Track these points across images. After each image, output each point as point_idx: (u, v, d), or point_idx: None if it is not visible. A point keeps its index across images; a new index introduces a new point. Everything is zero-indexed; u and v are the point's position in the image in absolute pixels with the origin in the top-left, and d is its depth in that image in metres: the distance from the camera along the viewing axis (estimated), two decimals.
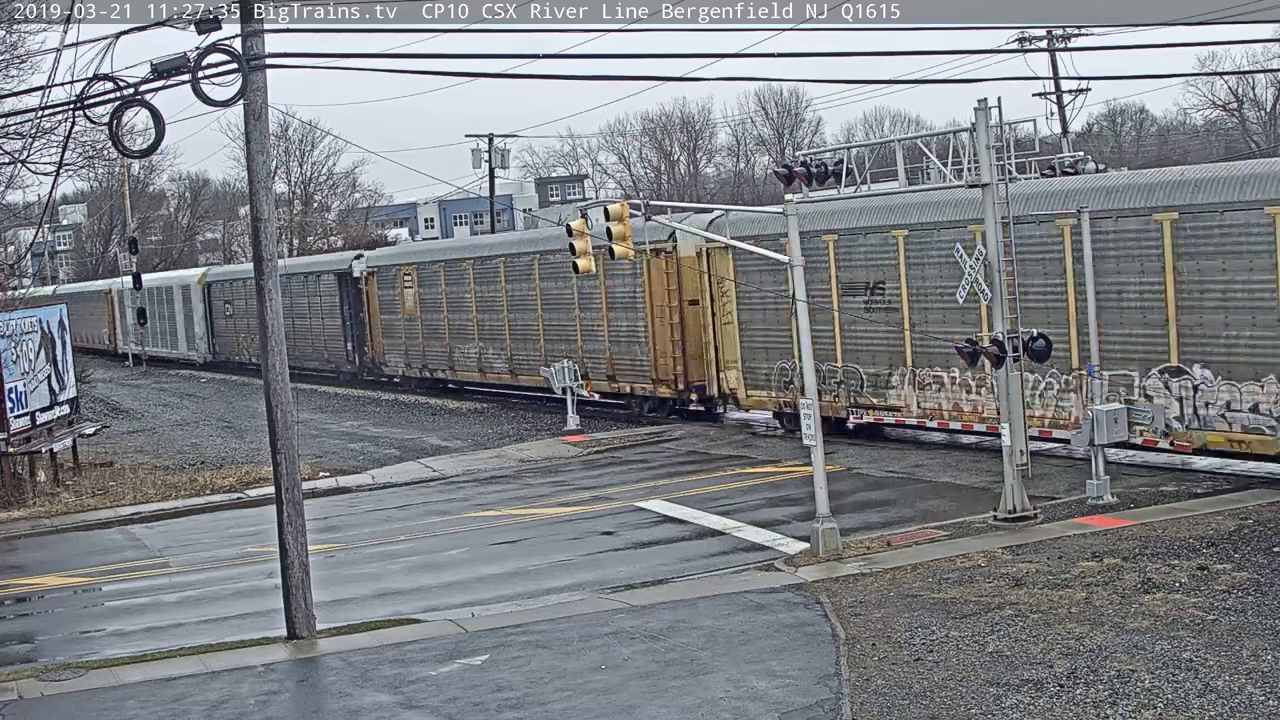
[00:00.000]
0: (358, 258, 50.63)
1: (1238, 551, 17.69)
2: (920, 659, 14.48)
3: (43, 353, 32.20)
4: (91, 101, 17.80)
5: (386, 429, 38.92)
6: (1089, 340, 22.70)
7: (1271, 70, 78.19)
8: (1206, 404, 22.29)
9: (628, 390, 36.15)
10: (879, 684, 13.81)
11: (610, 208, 21.50)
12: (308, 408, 42.44)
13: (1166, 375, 22.79)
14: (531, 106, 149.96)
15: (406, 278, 46.55)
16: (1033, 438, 23.49)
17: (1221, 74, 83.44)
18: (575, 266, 22.07)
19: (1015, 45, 50.98)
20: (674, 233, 31.72)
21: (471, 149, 66.20)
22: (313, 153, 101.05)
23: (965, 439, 28.13)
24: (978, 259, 20.44)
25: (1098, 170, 28.92)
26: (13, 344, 30.48)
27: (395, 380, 48.70)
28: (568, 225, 22.64)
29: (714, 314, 32.58)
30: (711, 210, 36.01)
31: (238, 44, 16.79)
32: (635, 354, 35.65)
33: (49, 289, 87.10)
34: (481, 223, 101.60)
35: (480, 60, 47.26)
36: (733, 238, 26.68)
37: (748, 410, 32.83)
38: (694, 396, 34.08)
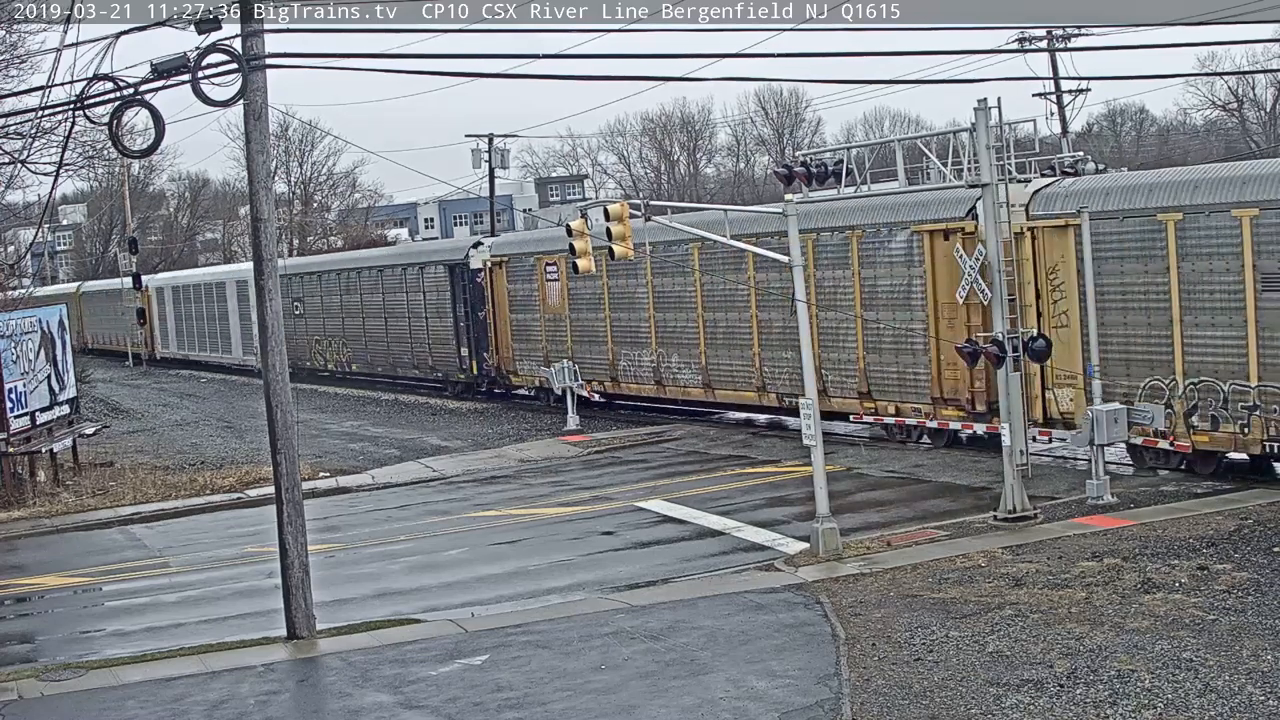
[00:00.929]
0: (476, 245, 42.79)
1: (1238, 551, 17.69)
2: (920, 659, 14.48)
3: (42, 353, 32.21)
4: (91, 101, 17.80)
5: (386, 429, 38.92)
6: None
7: (1271, 70, 78.29)
8: None
9: (891, 412, 28.30)
10: (879, 684, 13.80)
11: (610, 208, 21.50)
12: (308, 408, 42.43)
13: None
14: (531, 106, 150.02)
15: (550, 269, 38.30)
16: (1033, 438, 23.49)
17: (1221, 74, 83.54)
18: (575, 267, 22.06)
19: (1015, 45, 51.03)
20: (973, 208, 24.72)
21: (471, 149, 66.22)
22: (313, 153, 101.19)
23: None
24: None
25: (1098, 171, 28.89)
26: (12, 344, 30.50)
27: (526, 393, 41.50)
28: (568, 225, 22.62)
29: (1039, 313, 24.80)
30: (704, 209, 34.60)
31: (238, 44, 16.79)
32: (905, 365, 27.87)
33: (73, 285, 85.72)
34: (481, 223, 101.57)
35: (480, 60, 47.35)
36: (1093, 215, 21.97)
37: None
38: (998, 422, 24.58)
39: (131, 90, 17.12)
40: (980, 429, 26.04)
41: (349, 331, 50.03)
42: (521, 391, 41.38)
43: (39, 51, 31.76)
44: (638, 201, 21.72)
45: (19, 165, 28.00)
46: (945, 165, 21.54)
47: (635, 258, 24.82)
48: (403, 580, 20.98)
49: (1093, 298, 22.47)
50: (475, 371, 42.80)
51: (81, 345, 70.97)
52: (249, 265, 50.13)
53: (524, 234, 51.35)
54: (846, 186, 22.56)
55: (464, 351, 43.13)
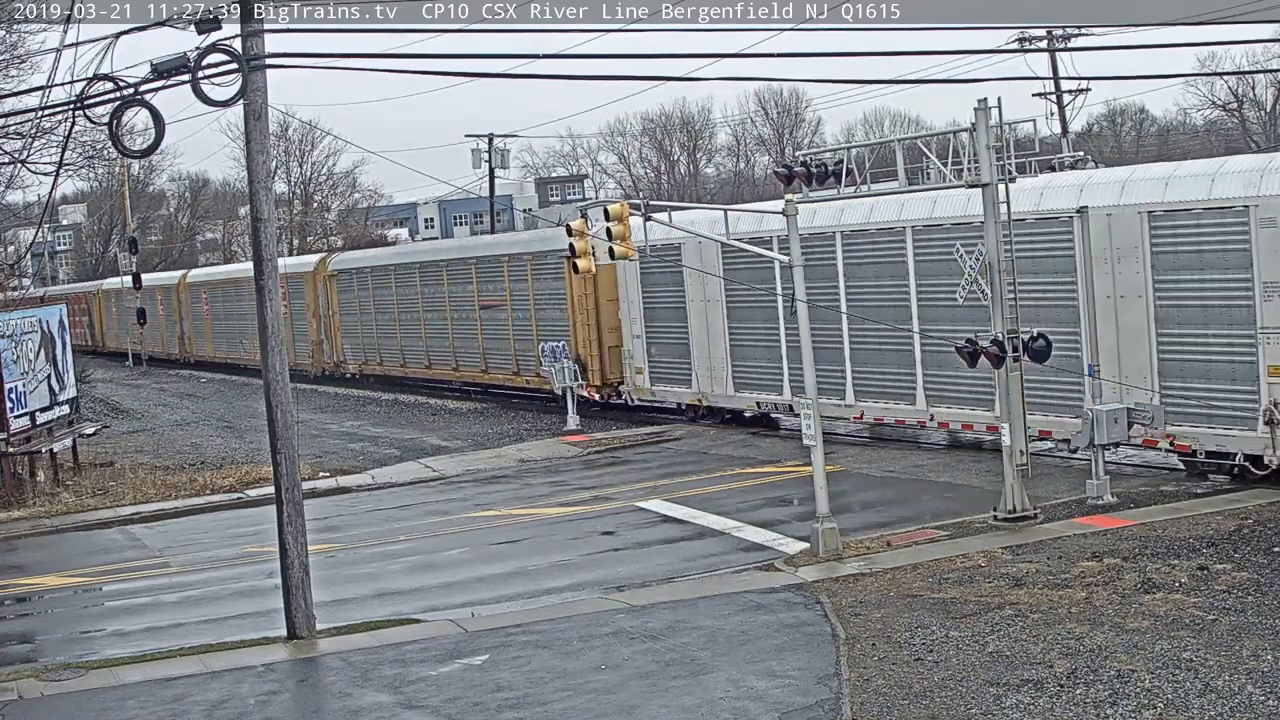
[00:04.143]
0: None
1: (1238, 551, 17.69)
2: (920, 659, 14.48)
3: (42, 353, 32.20)
4: (91, 101, 17.81)
5: (386, 429, 38.91)
6: None
7: (1271, 70, 78.26)
8: None
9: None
10: (879, 684, 13.80)
11: (610, 208, 21.48)
12: (308, 408, 42.44)
13: None
14: (531, 106, 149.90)
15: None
16: (1031, 438, 23.48)
17: (1221, 74, 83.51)
18: (575, 266, 22.06)
19: (1015, 45, 51.03)
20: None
21: (471, 149, 66.29)
22: (313, 153, 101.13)
23: None
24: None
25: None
26: (12, 344, 30.49)
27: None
28: (568, 225, 22.62)
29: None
30: (711, 209, 34.76)
31: (238, 44, 16.79)
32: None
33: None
34: (481, 223, 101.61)
35: (480, 60, 47.10)
36: None
37: None
38: None
39: (131, 90, 17.12)
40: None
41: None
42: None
43: (39, 51, 31.86)
44: (638, 201, 21.72)
45: (19, 165, 28.03)
46: (945, 165, 21.53)
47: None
48: (403, 580, 20.98)
49: (1090, 297, 22.53)
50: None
51: None
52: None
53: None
54: (846, 186, 22.54)
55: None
